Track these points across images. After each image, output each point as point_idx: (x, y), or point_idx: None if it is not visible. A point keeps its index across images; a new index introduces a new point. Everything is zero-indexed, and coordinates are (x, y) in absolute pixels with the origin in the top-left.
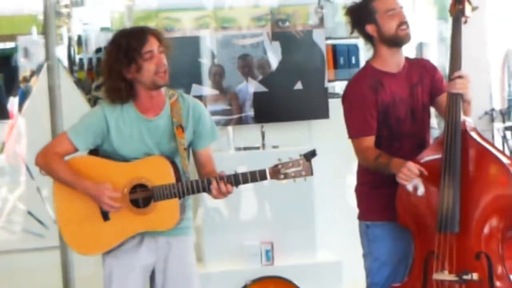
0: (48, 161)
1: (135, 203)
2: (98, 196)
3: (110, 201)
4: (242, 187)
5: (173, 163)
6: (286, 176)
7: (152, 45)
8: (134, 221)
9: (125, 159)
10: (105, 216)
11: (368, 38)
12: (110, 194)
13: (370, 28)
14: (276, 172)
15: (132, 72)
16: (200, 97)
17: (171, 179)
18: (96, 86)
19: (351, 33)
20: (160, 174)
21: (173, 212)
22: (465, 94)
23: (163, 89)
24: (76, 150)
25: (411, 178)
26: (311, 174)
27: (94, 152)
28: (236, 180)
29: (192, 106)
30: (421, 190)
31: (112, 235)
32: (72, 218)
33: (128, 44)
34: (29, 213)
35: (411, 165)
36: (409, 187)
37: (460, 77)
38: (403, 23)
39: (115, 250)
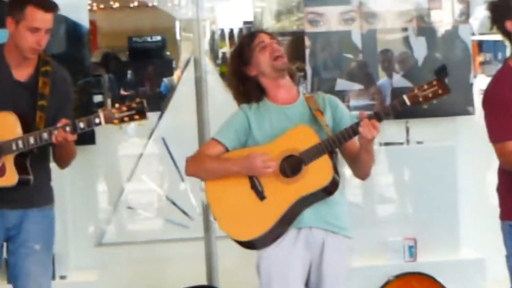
0: (198, 163)
1: (286, 175)
2: (250, 164)
3: (263, 163)
4: (384, 183)
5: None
6: (425, 99)
7: (262, 37)
8: (290, 190)
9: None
10: (261, 195)
11: (507, 35)
12: (262, 157)
13: (509, 24)
14: (415, 97)
15: (253, 68)
16: (343, 92)
17: (316, 140)
18: None
19: (491, 29)
20: (305, 139)
21: (326, 167)
22: None
23: (294, 88)
24: (225, 150)
25: None
26: (449, 91)
27: None
28: (377, 115)
29: (328, 97)
30: None
31: (271, 212)
32: (229, 209)
33: (240, 45)
34: (172, 202)
35: None
36: None
37: None
38: None
39: (270, 249)
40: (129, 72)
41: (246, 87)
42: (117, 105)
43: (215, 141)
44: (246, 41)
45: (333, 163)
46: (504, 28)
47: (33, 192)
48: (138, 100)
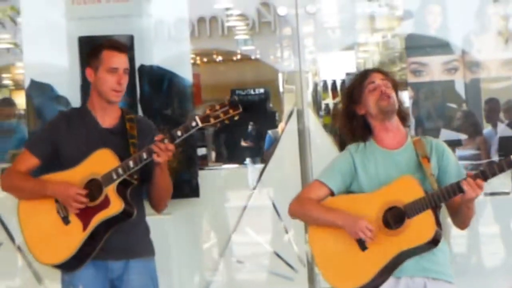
0: (302, 205)
1: (389, 226)
2: (354, 226)
3: (366, 229)
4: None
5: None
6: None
7: (375, 78)
8: (391, 243)
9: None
10: (362, 245)
11: None
12: (367, 225)
13: None
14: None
15: (362, 107)
16: (449, 142)
17: (420, 193)
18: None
19: None
20: (409, 191)
21: (428, 223)
22: None
23: (402, 131)
24: (330, 193)
25: None
26: None
27: None
28: (483, 174)
29: (435, 142)
30: None
31: (373, 262)
32: (330, 255)
33: (353, 83)
34: (277, 254)
35: None
36: None
37: None
38: None
39: None
40: (251, 123)
41: (354, 125)
42: (210, 106)
43: (320, 183)
44: (359, 80)
45: (436, 217)
46: None
47: (135, 243)
48: (229, 97)
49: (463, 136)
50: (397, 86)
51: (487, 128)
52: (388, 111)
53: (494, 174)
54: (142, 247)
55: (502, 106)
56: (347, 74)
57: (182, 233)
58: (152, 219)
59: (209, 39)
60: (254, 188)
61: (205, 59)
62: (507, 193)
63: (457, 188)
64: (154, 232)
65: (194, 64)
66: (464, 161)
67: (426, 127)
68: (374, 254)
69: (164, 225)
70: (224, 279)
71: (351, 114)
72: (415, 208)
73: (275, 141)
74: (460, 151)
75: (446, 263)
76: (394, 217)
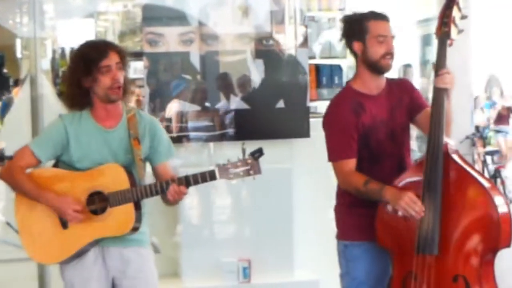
0: (12, 174)
1: (93, 210)
2: (61, 208)
3: (74, 214)
4: (222, 203)
5: (129, 173)
6: (235, 176)
7: (111, 60)
8: (92, 228)
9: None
10: (64, 224)
11: (354, 54)
12: (74, 207)
13: (356, 46)
14: (225, 171)
15: (89, 82)
16: (181, 112)
17: (126, 185)
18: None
19: (340, 40)
20: (115, 181)
21: (128, 217)
22: (449, 90)
23: (120, 103)
24: (39, 162)
25: (413, 208)
26: (259, 172)
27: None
28: (187, 181)
29: (149, 122)
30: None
31: (71, 243)
32: (32, 228)
33: (88, 55)
34: (8, 223)
35: (413, 196)
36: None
37: (448, 73)
38: (389, 53)
39: (74, 262)
40: None
41: (74, 91)
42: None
43: (30, 152)
44: (95, 57)
45: (137, 211)
46: (352, 46)
47: None
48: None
49: (196, 108)
50: (126, 64)
51: (222, 101)
52: (114, 100)
53: (196, 182)
54: None
55: (237, 80)
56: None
57: None
58: None
59: None
60: None
61: None
62: None
63: (161, 189)
64: None
65: None
66: (198, 132)
67: (161, 97)
68: (74, 234)
69: None
70: None
71: (76, 83)
72: (118, 199)
73: (9, 106)
74: (193, 123)
75: (142, 233)
76: (99, 202)
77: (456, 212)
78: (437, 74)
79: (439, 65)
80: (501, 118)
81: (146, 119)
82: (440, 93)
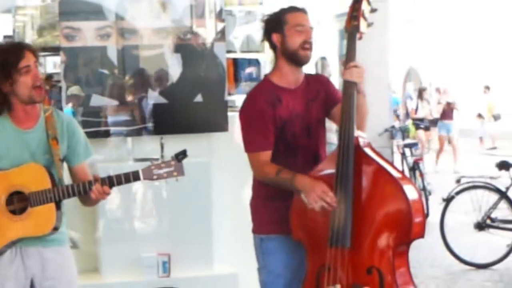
0: None
1: (13, 210)
2: None
3: None
4: (142, 198)
5: (50, 173)
6: (159, 177)
7: (29, 60)
8: (12, 228)
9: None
10: None
11: (273, 47)
12: None
13: (275, 37)
14: (149, 173)
15: (8, 86)
16: (99, 108)
17: (47, 184)
18: None
19: (262, 40)
20: (36, 180)
21: (49, 217)
22: (359, 83)
23: (37, 104)
24: None
25: (324, 199)
26: (183, 174)
27: None
28: (110, 181)
29: (67, 122)
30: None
31: None
32: None
33: (5, 59)
34: None
35: (325, 187)
36: (317, 207)
37: (355, 66)
38: (307, 42)
39: None
40: None
41: None
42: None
43: None
44: (13, 60)
45: (58, 211)
46: (271, 39)
47: None
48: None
49: (114, 102)
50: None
51: (141, 95)
52: (38, 101)
53: (120, 183)
54: None
55: (154, 74)
56: (5, 37)
57: None
58: None
59: None
60: None
61: None
62: (157, 159)
63: (83, 189)
64: None
65: None
66: (117, 126)
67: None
68: None
69: None
70: None
71: None
72: (39, 198)
73: None
74: (112, 117)
75: (61, 233)
76: (18, 202)
77: (368, 204)
78: (345, 68)
79: (348, 58)
80: (444, 113)
81: (64, 117)
82: (349, 87)
